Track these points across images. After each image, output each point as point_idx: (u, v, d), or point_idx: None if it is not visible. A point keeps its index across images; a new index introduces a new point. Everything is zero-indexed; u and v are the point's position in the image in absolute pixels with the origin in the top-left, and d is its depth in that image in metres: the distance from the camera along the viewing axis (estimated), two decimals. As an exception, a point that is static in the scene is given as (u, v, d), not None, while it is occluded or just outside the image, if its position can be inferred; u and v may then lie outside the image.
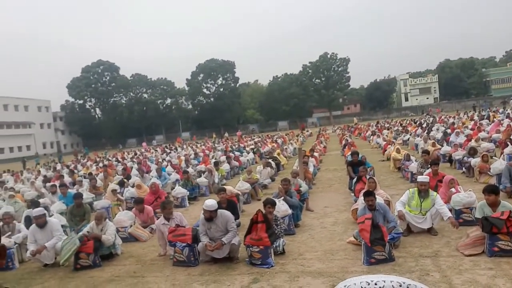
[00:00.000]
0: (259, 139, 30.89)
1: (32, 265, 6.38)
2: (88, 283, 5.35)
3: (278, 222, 5.82)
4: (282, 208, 6.60)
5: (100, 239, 6.00)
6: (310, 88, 66.65)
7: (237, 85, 69.22)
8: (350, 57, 66.41)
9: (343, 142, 20.97)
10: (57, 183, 12.40)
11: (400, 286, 0.67)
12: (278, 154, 16.26)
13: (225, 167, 13.78)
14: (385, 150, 15.33)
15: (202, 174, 12.14)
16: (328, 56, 66.07)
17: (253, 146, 23.17)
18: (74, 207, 8.16)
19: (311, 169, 11.37)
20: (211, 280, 5.03)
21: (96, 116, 69.90)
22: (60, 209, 8.93)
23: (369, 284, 0.68)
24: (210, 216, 5.46)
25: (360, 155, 10.78)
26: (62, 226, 7.04)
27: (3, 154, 54.38)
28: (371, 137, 23.35)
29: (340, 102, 70.35)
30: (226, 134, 47.42)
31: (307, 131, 42.25)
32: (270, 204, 5.89)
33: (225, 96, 65.02)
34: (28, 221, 7.69)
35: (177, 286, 4.95)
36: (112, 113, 65.97)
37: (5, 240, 6.18)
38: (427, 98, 75.53)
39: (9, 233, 6.60)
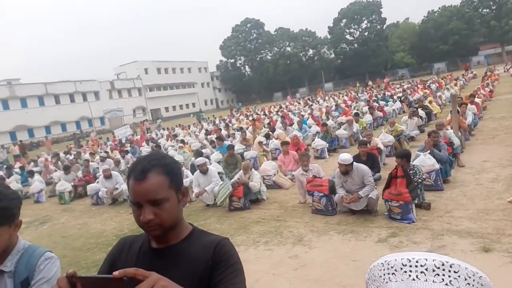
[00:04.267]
0: (409, 85, 28.22)
1: (197, 204, 7.69)
2: (240, 223, 6.18)
3: (417, 175, 5.44)
4: (428, 162, 6.12)
5: (248, 186, 6.76)
6: (476, 20, 55.90)
7: (384, 26, 63.53)
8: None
9: (517, 83, 17.38)
10: (214, 135, 14.19)
11: (443, 265, 0.63)
12: (430, 102, 14.64)
13: (367, 118, 13.25)
14: None
15: (342, 126, 12.01)
16: (502, -23, 53.67)
17: (401, 94, 21.39)
18: (228, 157, 9.29)
19: (469, 118, 9.95)
20: (348, 230, 5.15)
21: (246, 73, 74.94)
22: (217, 158, 10.26)
23: (410, 261, 0.65)
24: (346, 170, 5.48)
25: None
26: (219, 173, 8.15)
27: (175, 111, 64.38)
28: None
29: (517, 33, 57.03)
30: (370, 83, 44.70)
31: (471, 72, 36.31)
32: (396, 156, 5.59)
33: (370, 41, 60.63)
34: (193, 168, 9.17)
35: (315, 232, 5.25)
36: (259, 69, 69.62)
37: (176, 184, 7.58)
38: None
39: (179, 178, 8.03)
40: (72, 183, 10.71)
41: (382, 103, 17.93)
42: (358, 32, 63.62)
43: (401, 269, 0.65)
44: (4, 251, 1.46)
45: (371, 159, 7.01)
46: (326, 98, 32.32)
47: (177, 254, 1.21)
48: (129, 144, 19.04)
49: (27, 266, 1.47)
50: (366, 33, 62.51)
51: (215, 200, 7.15)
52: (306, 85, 66.59)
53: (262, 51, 71.32)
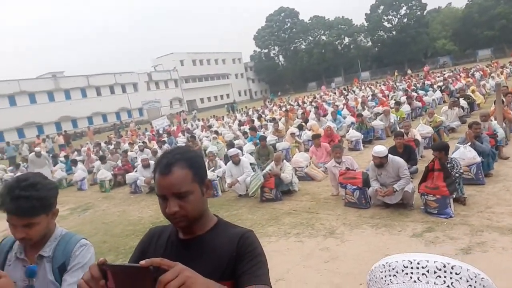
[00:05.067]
0: (451, 73, 26.92)
1: (230, 194, 7.81)
2: (271, 214, 6.22)
3: (455, 168, 5.20)
4: (468, 155, 5.85)
5: (279, 177, 6.78)
6: (527, 3, 52.13)
7: (425, 12, 60.70)
8: None
9: None
10: (247, 126, 14.27)
11: (444, 266, 0.61)
12: (473, 91, 13.90)
13: (405, 108, 12.80)
14: None
15: (378, 116, 11.69)
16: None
17: (441, 83, 20.45)
18: (260, 148, 9.33)
19: (516, 108, 9.37)
20: (382, 224, 5.06)
21: (279, 63, 74.40)
22: (250, 149, 10.34)
23: (411, 262, 0.63)
24: (380, 162, 5.35)
25: None
26: (251, 164, 8.22)
27: (210, 102, 65.26)
28: None
29: None
30: (409, 71, 43.00)
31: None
32: (433, 149, 5.38)
33: (410, 27, 58.19)
34: (227, 159, 9.31)
35: (348, 226, 5.19)
36: (293, 59, 68.91)
37: (210, 174, 7.74)
38: None
39: (213, 168, 8.19)
40: (112, 172, 11.19)
41: (421, 92, 17.24)
42: (396, 19, 61.27)
43: (403, 271, 0.65)
44: (43, 238, 1.57)
45: (408, 151, 6.81)
46: (363, 87, 31.51)
47: (202, 245, 1.24)
48: (166, 135, 19.50)
49: (64, 252, 1.57)
50: (405, 20, 60.07)
51: (247, 190, 7.23)
52: (342, 75, 65.17)
53: (296, 41, 70.45)
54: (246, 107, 34.97)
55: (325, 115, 14.47)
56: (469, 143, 6.07)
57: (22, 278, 1.53)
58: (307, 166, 7.89)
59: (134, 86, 55.80)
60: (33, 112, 42.87)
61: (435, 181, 4.91)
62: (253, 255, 1.20)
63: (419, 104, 14.04)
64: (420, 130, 8.78)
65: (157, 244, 1.32)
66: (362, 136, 10.25)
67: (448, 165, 5.14)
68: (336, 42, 66.21)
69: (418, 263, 0.64)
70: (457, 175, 5.10)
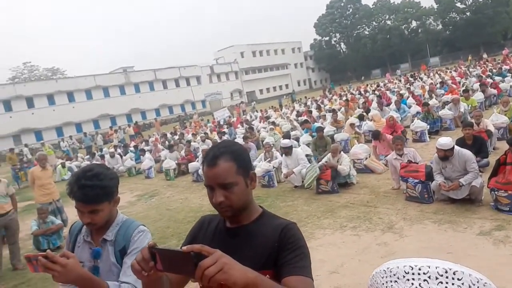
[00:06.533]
0: (535, 56, 24.14)
1: (286, 185, 7.87)
2: (327, 206, 6.17)
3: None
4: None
5: (336, 169, 6.68)
6: None
7: (505, -11, 54.81)
8: None
9: None
10: (304, 117, 14.15)
11: (446, 272, 0.58)
12: (561, 75, 12.39)
13: (478, 96, 11.78)
14: None
15: (447, 105, 10.92)
16: None
17: (523, 67, 18.44)
18: (317, 139, 9.23)
19: None
20: (446, 220, 4.79)
21: (341, 50, 72.18)
22: (306, 140, 10.27)
23: (412, 268, 0.61)
24: (444, 155, 5.03)
25: None
26: (307, 155, 8.18)
27: (269, 93, 65.46)
28: None
29: None
30: (485, 55, 39.22)
31: None
32: (509, 143, 4.87)
33: (487, 7, 52.85)
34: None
35: (408, 221, 4.99)
36: (356, 46, 66.43)
37: (266, 165, 7.86)
38: None
39: (269, 159, 8.28)
40: (176, 161, 11.83)
41: (497, 78, 15.71)
42: (471, -1, 56.13)
43: (404, 276, 0.64)
44: (106, 223, 1.75)
45: (478, 143, 6.31)
46: (431, 74, 29.49)
47: (247, 234, 1.31)
48: (226, 126, 19.99)
49: (124, 236, 1.75)
50: (481, -1, 54.83)
51: (303, 182, 7.23)
52: (409, 61, 61.44)
53: (359, 27, 67.76)
54: (305, 97, 34.54)
55: (388, 105, 13.84)
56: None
57: (88, 259, 1.73)
58: (366, 158, 7.66)
59: (197, 79, 57.73)
60: (107, 105, 46.41)
61: (507, 175, 4.53)
62: (296, 246, 1.24)
63: (494, 91, 12.80)
64: (494, 120, 8.07)
65: (206, 231, 1.41)
66: (428, 126, 9.65)
67: (524, 159, 4.70)
68: (403, 27, 62.39)
69: (420, 269, 0.63)
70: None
